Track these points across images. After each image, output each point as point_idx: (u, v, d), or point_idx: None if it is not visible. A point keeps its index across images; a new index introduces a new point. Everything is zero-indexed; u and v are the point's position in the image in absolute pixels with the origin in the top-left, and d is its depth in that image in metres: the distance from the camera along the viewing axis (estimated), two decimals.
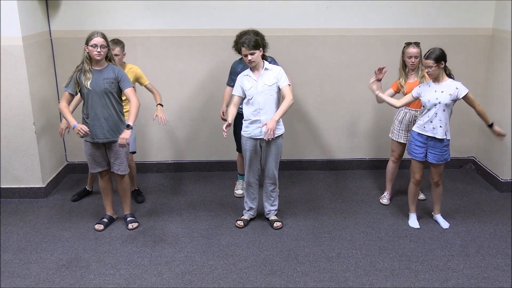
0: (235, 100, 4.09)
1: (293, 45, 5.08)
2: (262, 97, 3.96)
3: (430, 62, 3.79)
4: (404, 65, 4.35)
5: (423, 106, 4.00)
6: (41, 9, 4.81)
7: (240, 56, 4.35)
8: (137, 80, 4.46)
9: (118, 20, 4.95)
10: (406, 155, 4.41)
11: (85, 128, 3.83)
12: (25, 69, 4.48)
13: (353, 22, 5.07)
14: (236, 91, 4.08)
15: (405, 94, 4.27)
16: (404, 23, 5.08)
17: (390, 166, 4.66)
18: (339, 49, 5.16)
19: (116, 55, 4.20)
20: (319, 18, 5.05)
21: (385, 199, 4.72)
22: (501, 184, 5.00)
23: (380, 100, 4.27)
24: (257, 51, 3.90)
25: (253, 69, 4.00)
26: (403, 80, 4.35)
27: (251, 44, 3.85)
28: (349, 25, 5.08)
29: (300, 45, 5.11)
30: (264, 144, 4.08)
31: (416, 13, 5.06)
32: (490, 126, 4.08)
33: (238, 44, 4.09)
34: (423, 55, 3.94)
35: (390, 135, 4.58)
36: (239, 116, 4.29)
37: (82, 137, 3.88)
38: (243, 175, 4.65)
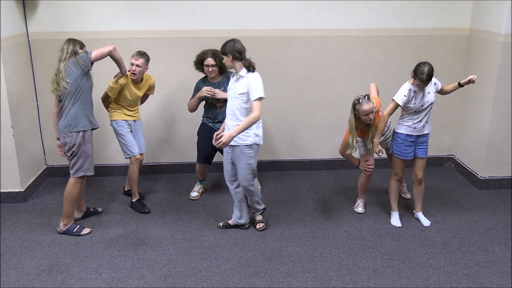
0: None
1: (273, 46, 5.08)
2: (231, 104, 3.88)
3: (428, 83, 3.91)
4: (356, 121, 4.06)
5: (409, 111, 4.04)
6: (18, 10, 4.73)
7: (203, 76, 4.62)
8: (148, 90, 4.57)
9: (97, 21, 4.90)
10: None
11: (58, 151, 4.16)
12: (2, 71, 4.39)
13: (333, 22, 5.10)
14: None
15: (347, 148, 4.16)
16: (384, 23, 5.12)
17: (363, 181, 4.50)
18: (320, 50, 5.18)
19: (138, 66, 4.23)
20: (299, 18, 5.06)
21: (360, 208, 4.58)
22: (480, 181, 5.07)
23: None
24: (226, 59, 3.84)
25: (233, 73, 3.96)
26: (353, 140, 4.08)
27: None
28: (330, 25, 5.10)
29: (281, 45, 5.12)
30: (230, 151, 3.98)
31: (396, 13, 5.11)
32: (461, 85, 4.10)
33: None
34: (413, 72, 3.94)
35: (361, 152, 4.35)
36: (203, 126, 4.66)
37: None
38: (202, 180, 4.92)
